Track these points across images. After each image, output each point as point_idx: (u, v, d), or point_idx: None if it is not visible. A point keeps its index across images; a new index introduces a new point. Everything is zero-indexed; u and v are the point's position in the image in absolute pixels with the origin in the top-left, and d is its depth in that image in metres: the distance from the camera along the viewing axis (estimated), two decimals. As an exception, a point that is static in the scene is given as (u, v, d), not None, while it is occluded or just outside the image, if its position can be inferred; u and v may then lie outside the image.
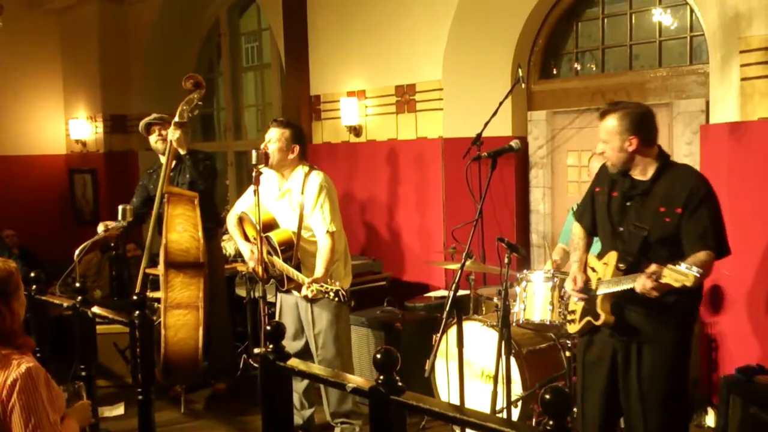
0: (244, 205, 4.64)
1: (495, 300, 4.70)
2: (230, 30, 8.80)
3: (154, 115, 5.45)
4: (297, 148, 4.44)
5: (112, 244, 7.50)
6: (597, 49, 5.76)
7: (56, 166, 9.93)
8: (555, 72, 6.02)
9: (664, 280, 3.06)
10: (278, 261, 4.37)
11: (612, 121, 3.38)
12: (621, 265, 3.37)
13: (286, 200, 4.48)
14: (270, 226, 4.49)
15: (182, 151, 5.12)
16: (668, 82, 5.19)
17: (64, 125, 9.91)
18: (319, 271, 4.22)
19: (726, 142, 4.47)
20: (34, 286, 4.49)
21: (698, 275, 2.96)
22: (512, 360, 4.09)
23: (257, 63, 9.12)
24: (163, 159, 5.27)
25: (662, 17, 5.35)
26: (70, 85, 9.82)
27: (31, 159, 9.66)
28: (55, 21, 9.72)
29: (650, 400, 3.37)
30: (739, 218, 4.40)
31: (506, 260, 3.72)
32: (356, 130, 6.62)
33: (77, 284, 4.34)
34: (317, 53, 6.91)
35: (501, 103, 5.42)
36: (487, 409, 3.89)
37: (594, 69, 5.84)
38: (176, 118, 5.07)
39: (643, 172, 3.41)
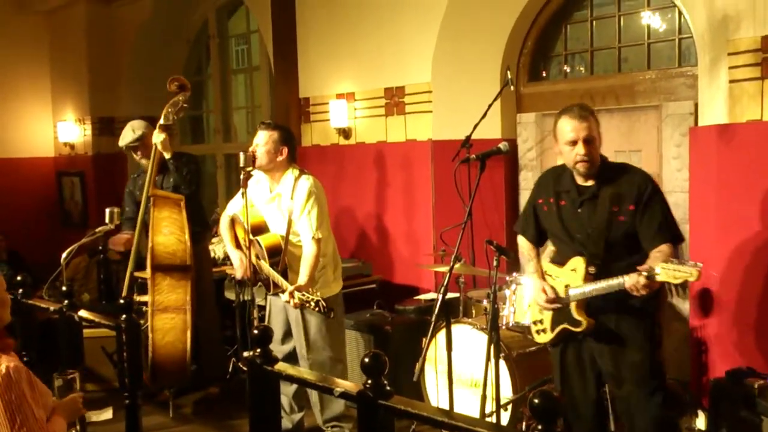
0: (236, 207, 4.62)
1: (484, 303, 4.69)
2: (219, 32, 8.76)
3: (130, 139, 5.30)
4: (285, 150, 4.42)
5: (100, 248, 7.46)
6: (586, 51, 5.76)
7: (44, 169, 9.86)
8: (544, 74, 6.02)
9: (660, 279, 3.14)
10: (265, 266, 4.35)
11: (593, 117, 3.46)
12: (591, 269, 3.44)
13: (276, 204, 4.46)
14: (260, 229, 4.48)
15: (167, 155, 5.04)
16: (657, 84, 5.20)
17: (53, 128, 9.85)
18: (302, 278, 4.19)
19: (715, 144, 4.47)
20: (20, 290, 4.46)
21: (700, 267, 3.07)
22: (502, 363, 4.08)
23: (246, 65, 9.09)
24: (147, 163, 5.21)
25: (650, 20, 5.35)
26: (58, 88, 9.76)
27: (19, 162, 9.60)
28: (43, 23, 9.66)
29: (635, 390, 3.46)
30: (728, 220, 4.40)
31: (495, 263, 3.71)
32: (345, 133, 6.60)
33: (64, 288, 4.31)
34: (306, 55, 6.89)
35: (490, 106, 5.40)
36: (475, 416, 3.88)
37: (583, 71, 5.84)
38: (161, 121, 5.00)
39: (588, 176, 3.50)
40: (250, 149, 4.38)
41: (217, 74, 8.80)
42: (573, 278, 3.48)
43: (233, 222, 4.63)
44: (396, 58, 6.13)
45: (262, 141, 4.40)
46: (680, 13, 5.09)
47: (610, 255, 3.42)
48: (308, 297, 3.90)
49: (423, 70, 5.93)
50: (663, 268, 3.12)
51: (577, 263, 3.47)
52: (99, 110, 9.27)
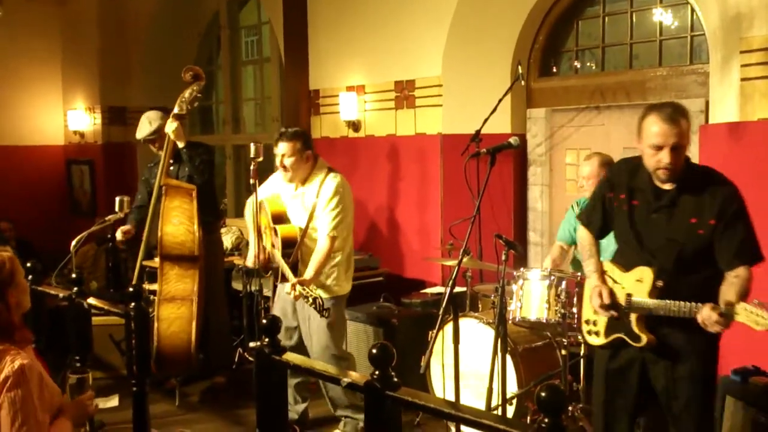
0: (265, 192, 4.64)
1: (491, 297, 4.69)
2: (230, 23, 8.77)
3: (147, 132, 5.32)
4: (310, 153, 4.45)
5: (109, 236, 7.48)
6: (597, 47, 5.75)
7: (54, 157, 9.90)
8: (555, 70, 6.01)
9: (739, 319, 2.92)
10: (277, 255, 4.38)
11: (685, 121, 3.08)
12: (659, 284, 3.15)
13: (300, 200, 4.49)
14: (281, 218, 4.53)
15: (180, 144, 5.07)
16: (668, 81, 5.19)
17: (63, 116, 9.89)
18: (308, 272, 4.24)
19: (725, 143, 4.47)
20: (30, 277, 4.48)
21: None
22: (508, 358, 4.09)
23: (257, 57, 9.10)
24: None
25: (663, 16, 5.34)
26: (68, 76, 9.79)
27: (29, 149, 9.64)
28: (55, 12, 9.68)
29: (688, 402, 3.23)
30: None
31: (504, 257, 3.70)
32: (355, 125, 6.61)
33: (73, 275, 4.32)
34: (317, 48, 6.90)
35: (500, 100, 5.41)
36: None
37: (594, 67, 5.83)
38: (175, 110, 5.03)
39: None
40: (277, 162, 4.41)
41: (227, 65, 8.81)
42: (638, 289, 3.19)
43: (259, 207, 4.66)
44: (406, 51, 6.13)
45: (288, 152, 4.38)
46: (693, 10, 5.08)
47: (680, 268, 3.14)
48: (308, 292, 3.94)
49: (433, 64, 5.94)
50: (745, 309, 2.89)
51: (645, 274, 3.18)
52: (109, 99, 9.30)
